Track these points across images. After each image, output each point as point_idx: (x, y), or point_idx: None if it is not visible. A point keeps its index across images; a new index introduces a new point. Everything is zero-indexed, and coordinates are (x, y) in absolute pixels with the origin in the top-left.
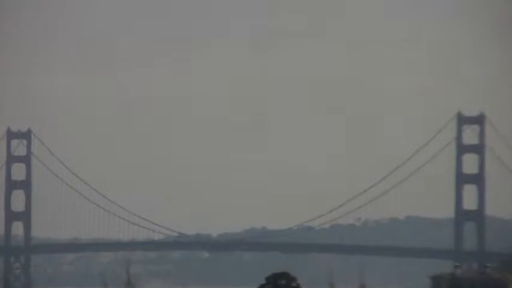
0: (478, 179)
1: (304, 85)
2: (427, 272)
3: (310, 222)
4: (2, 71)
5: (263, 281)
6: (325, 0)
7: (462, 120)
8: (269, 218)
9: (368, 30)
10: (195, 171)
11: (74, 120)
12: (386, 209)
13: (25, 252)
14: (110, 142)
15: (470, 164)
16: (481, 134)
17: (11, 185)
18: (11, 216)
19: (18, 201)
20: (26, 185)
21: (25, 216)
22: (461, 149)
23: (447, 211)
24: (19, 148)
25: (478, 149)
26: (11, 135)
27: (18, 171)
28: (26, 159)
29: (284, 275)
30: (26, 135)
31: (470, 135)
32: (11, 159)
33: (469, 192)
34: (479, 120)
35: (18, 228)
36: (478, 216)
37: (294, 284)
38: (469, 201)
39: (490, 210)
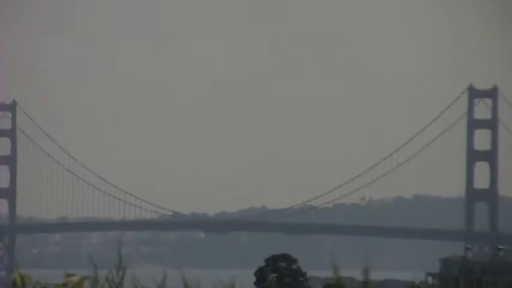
0: (491, 156)
1: (308, 47)
2: (436, 254)
3: (312, 202)
4: None
5: (262, 263)
6: None
7: (474, 94)
8: (269, 197)
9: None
10: (191, 147)
11: (60, 91)
12: (392, 188)
13: (9, 232)
14: (101, 115)
15: (482, 140)
16: (494, 108)
17: None
18: None
19: (2, 177)
20: (10, 160)
21: (10, 194)
22: (473, 124)
23: (457, 190)
24: (3, 121)
25: (491, 124)
26: None
27: (3, 146)
28: (11, 133)
29: (284, 257)
30: (11, 108)
31: (482, 110)
32: None
33: (481, 170)
34: (492, 93)
35: (2, 206)
36: (490, 195)
37: (294, 267)
38: (481, 180)
39: (502, 189)
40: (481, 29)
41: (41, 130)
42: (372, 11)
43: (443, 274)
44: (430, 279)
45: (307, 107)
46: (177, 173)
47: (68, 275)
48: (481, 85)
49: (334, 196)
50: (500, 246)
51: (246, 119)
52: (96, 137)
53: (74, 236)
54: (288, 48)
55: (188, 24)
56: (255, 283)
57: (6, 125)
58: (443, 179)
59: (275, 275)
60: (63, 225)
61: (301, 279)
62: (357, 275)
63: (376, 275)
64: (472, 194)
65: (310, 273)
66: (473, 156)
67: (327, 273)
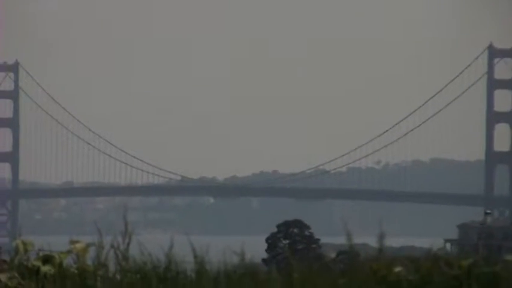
0: (511, 117)
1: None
2: (454, 220)
3: (325, 165)
4: None
5: (274, 230)
6: None
7: (494, 54)
8: (280, 160)
9: None
10: (200, 110)
11: (64, 50)
12: (409, 151)
13: (12, 197)
14: (107, 74)
15: (502, 101)
16: None
17: None
18: None
19: (4, 140)
20: (13, 123)
21: (12, 158)
22: (493, 84)
23: (477, 153)
24: (5, 82)
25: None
26: None
27: (5, 108)
28: (13, 95)
29: (297, 223)
30: (13, 68)
31: (503, 69)
32: None
33: (501, 132)
34: None
35: (4, 170)
36: (510, 158)
37: (307, 233)
38: (501, 142)
39: None
40: None
41: (44, 91)
42: None
43: (462, 240)
44: (448, 246)
45: (320, 70)
46: (186, 136)
47: (73, 242)
48: (502, 44)
49: (349, 160)
50: None
51: (257, 81)
52: (101, 98)
53: (79, 202)
54: None
55: None
56: (266, 250)
57: (9, 86)
58: (462, 141)
59: (287, 241)
60: (68, 191)
61: (314, 245)
62: (372, 241)
63: (391, 242)
64: (492, 157)
65: (323, 239)
66: (493, 117)
67: (340, 240)
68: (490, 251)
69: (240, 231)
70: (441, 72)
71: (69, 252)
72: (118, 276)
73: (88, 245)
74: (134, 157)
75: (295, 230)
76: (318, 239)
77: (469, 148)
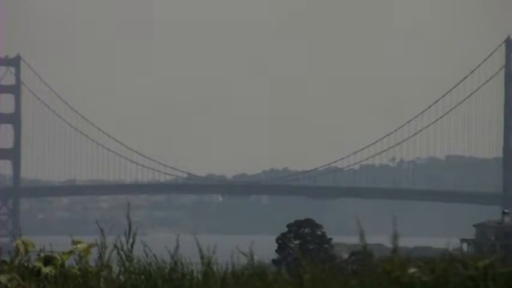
0: None
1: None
2: (471, 219)
3: (338, 163)
4: None
5: (284, 229)
6: None
7: None
8: (291, 158)
9: None
10: (207, 105)
11: (69, 45)
12: (424, 148)
13: (13, 195)
14: (112, 69)
15: None
16: None
17: None
18: None
19: (6, 137)
20: (15, 118)
21: (14, 154)
22: (511, 78)
23: (494, 150)
24: (7, 76)
25: None
26: None
27: (6, 103)
28: (15, 89)
29: (308, 223)
30: (15, 62)
31: None
32: None
33: None
34: None
35: (5, 167)
36: None
37: (319, 233)
38: None
39: None
40: None
41: (46, 86)
42: None
43: (479, 240)
44: (464, 246)
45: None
46: (193, 133)
47: (75, 242)
48: None
49: (362, 157)
50: None
51: (267, 77)
52: (105, 94)
53: (83, 200)
54: None
55: None
56: (276, 250)
57: (10, 80)
58: (479, 138)
59: (298, 241)
60: (71, 189)
61: (326, 246)
62: (386, 241)
63: (406, 242)
64: (510, 154)
65: (335, 239)
66: (510, 113)
67: (353, 240)
68: (508, 251)
69: (249, 230)
70: (456, 66)
71: (71, 252)
72: (122, 278)
73: (90, 246)
74: (139, 154)
75: (307, 230)
76: (330, 239)
77: (486, 145)
